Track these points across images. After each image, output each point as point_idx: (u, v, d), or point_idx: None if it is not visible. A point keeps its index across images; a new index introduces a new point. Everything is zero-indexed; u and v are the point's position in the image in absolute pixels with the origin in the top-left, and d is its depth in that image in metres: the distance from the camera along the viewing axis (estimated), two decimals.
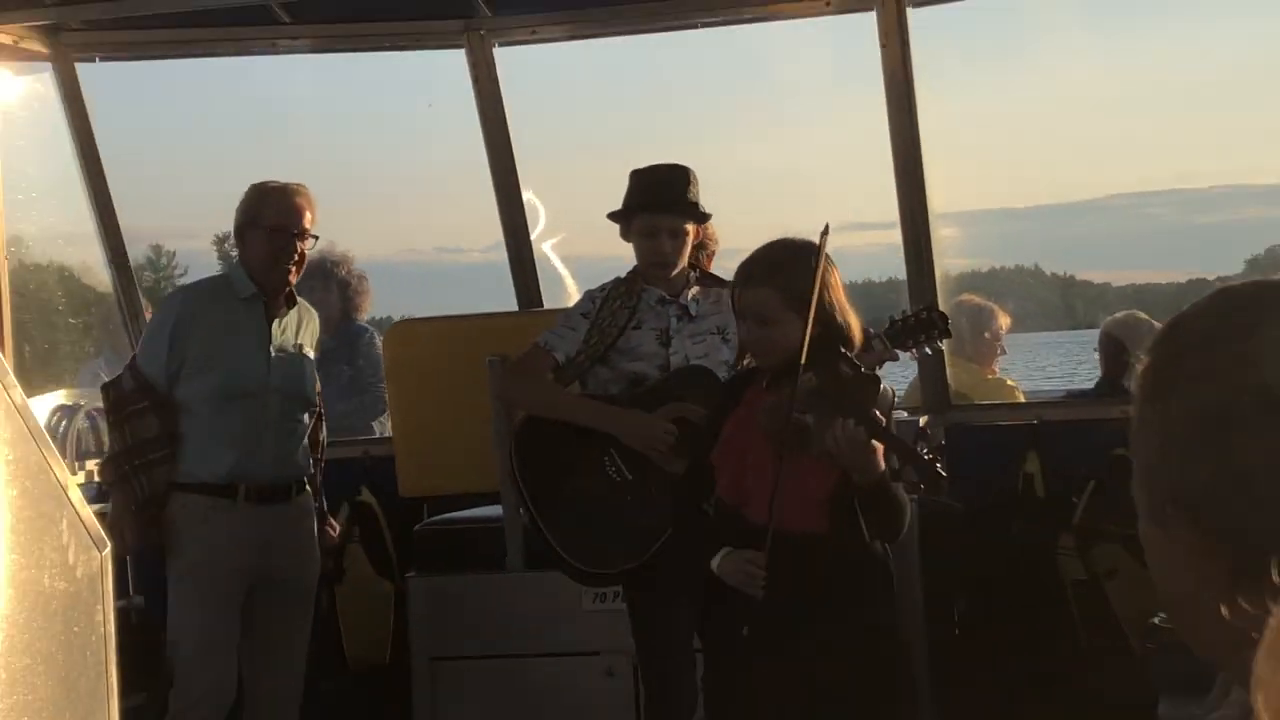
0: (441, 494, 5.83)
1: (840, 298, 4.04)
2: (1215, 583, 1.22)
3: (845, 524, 3.95)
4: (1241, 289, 1.31)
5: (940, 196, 6.10)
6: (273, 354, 5.18)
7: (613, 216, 4.97)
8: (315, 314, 5.50)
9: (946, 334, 4.80)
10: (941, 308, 5.23)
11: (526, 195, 6.41)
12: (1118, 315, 6.89)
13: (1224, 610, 1.20)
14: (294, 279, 5.24)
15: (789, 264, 4.01)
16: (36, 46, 6.24)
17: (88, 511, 3.75)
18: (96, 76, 6.43)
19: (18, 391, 2.30)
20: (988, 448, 6.07)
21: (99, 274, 6.82)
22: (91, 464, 6.00)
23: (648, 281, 4.95)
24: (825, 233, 4.04)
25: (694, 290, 4.96)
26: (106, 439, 6.14)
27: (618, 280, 5.00)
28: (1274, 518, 1.19)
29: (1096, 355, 6.89)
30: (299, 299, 5.43)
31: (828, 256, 3.97)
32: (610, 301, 4.94)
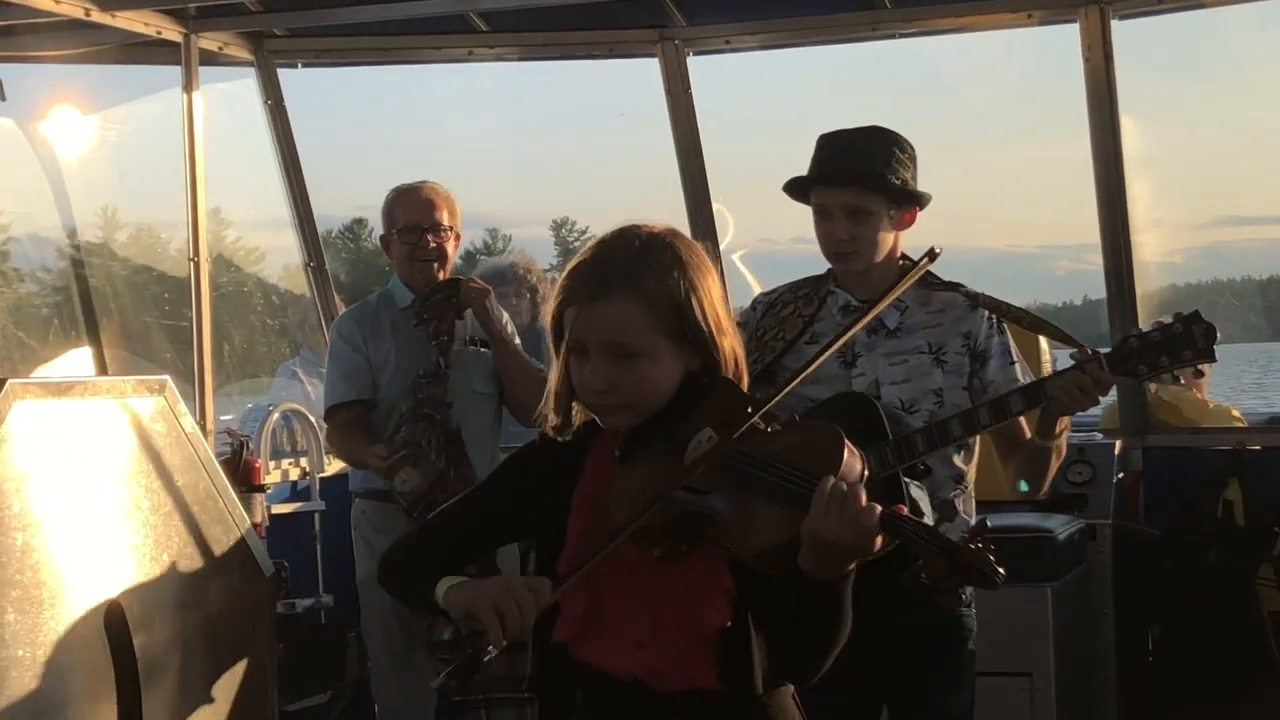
0: None
1: (724, 317, 2.52)
2: None
3: (738, 670, 2.40)
4: None
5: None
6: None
7: (789, 189, 3.81)
8: (482, 292, 5.08)
9: (1208, 355, 3.48)
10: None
11: (716, 206, 6.38)
12: None
13: None
14: (442, 278, 5.08)
15: (654, 265, 2.46)
16: (241, 53, 6.38)
17: (254, 536, 3.76)
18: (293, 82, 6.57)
19: (188, 419, 2.32)
20: (1187, 473, 5.89)
21: (296, 275, 6.94)
22: (286, 463, 6.10)
23: (837, 283, 3.81)
24: (933, 257, 3.15)
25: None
26: (300, 439, 6.24)
27: (804, 280, 3.91)
28: None
29: None
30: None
31: (707, 254, 2.56)
32: (780, 307, 3.86)
